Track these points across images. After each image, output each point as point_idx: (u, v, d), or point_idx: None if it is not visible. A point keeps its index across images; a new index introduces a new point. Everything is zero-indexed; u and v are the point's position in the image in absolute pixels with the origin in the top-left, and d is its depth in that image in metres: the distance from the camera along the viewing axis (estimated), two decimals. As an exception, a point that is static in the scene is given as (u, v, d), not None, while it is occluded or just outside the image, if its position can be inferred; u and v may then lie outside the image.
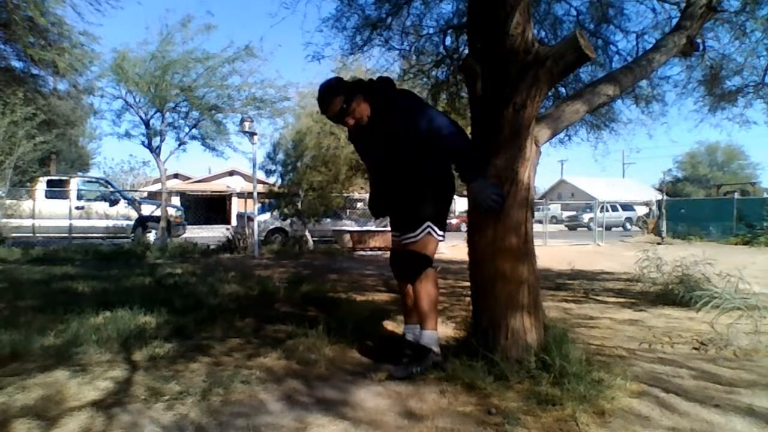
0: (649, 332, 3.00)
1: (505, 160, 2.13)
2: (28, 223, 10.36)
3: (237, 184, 23.79)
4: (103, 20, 19.06)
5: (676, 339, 2.83)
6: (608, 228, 18.19)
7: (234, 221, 18.40)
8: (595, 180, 37.01)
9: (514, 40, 2.03)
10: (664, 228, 14.46)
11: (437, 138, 2.16)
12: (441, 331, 2.48)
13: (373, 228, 11.52)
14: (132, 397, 1.88)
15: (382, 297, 4.14)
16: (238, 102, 10.39)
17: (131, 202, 11.50)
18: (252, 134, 9.40)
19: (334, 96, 2.24)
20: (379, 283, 5.19)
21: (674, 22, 3.64)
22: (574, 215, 26.83)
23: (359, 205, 13.97)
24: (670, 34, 3.23)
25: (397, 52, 4.68)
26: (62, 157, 20.00)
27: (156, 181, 22.58)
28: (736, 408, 1.79)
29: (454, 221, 20.94)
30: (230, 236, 9.72)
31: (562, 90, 4.75)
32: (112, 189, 11.94)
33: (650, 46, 3.37)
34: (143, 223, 11.13)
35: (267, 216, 11.84)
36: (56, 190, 10.88)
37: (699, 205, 17.13)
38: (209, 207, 25.34)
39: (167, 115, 10.18)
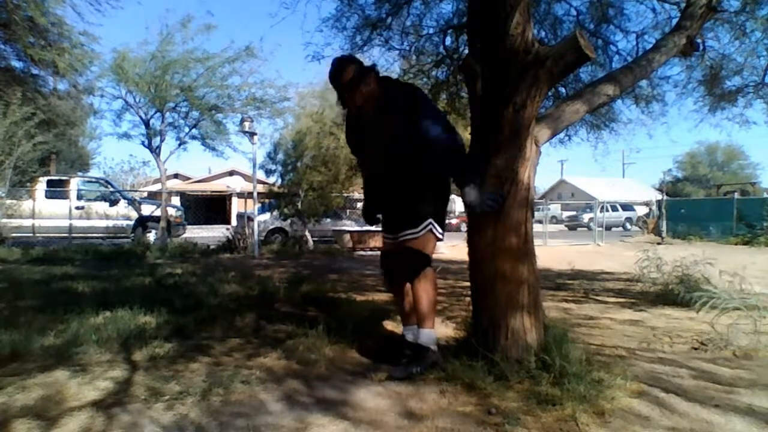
0: (649, 332, 3.00)
1: (505, 160, 2.13)
2: (28, 223, 10.35)
3: (237, 184, 23.77)
4: (103, 20, 19.04)
5: (676, 339, 2.83)
6: (608, 228, 18.19)
7: (234, 221, 18.40)
8: (595, 180, 37.01)
9: (514, 40, 2.03)
10: (664, 228, 14.46)
11: (434, 143, 2.15)
12: (441, 331, 2.48)
13: (373, 228, 11.49)
14: (132, 397, 1.88)
15: (382, 297, 4.13)
16: (238, 102, 10.39)
17: (131, 202, 11.50)
18: (252, 134, 9.40)
19: (349, 64, 2.24)
20: (379, 283, 5.18)
21: (674, 22, 3.64)
22: (574, 215, 26.83)
23: (359, 205, 13.97)
24: (670, 34, 3.23)
25: (397, 52, 4.68)
26: (62, 157, 20.00)
27: (156, 181, 22.59)
28: (736, 408, 1.79)
29: (454, 221, 20.94)
30: (230, 236, 9.71)
31: (562, 90, 4.75)
32: (112, 189, 11.93)
33: (650, 46, 3.37)
34: (143, 223, 11.12)
35: (267, 216, 11.83)
36: (56, 190, 10.87)
37: (699, 205, 17.12)
38: (209, 207, 25.34)
39: (167, 115, 10.18)
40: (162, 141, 10.29)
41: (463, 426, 1.65)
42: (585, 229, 22.35)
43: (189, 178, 31.57)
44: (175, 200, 21.75)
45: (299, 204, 10.59)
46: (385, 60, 4.93)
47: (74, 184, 11.11)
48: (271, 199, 11.47)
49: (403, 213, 2.29)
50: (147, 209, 11.42)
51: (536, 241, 2.33)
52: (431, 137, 2.14)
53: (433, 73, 4.84)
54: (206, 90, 10.04)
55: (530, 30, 2.07)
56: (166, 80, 9.44)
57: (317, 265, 7.34)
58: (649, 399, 1.86)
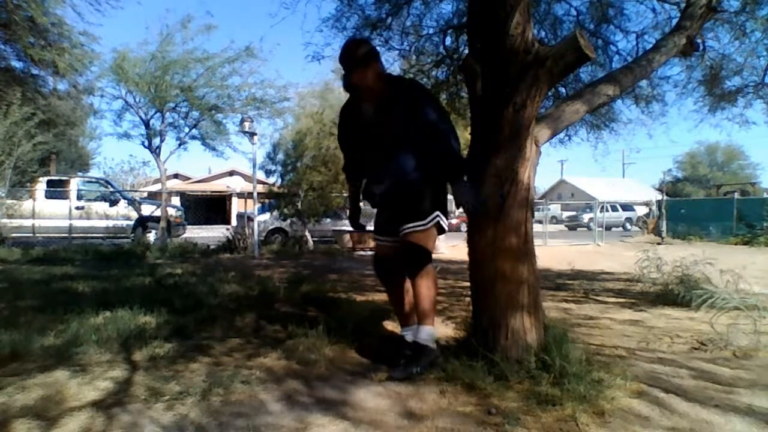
0: (649, 332, 3.00)
1: (505, 160, 2.13)
2: (28, 223, 10.35)
3: (237, 184, 23.75)
4: (103, 20, 19.07)
5: (676, 339, 2.83)
6: (608, 228, 18.19)
7: (234, 221, 18.40)
8: (595, 180, 37.01)
9: (514, 40, 2.03)
10: (664, 228, 14.46)
11: (437, 137, 2.18)
12: (441, 331, 2.47)
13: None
14: (132, 397, 1.88)
15: (382, 297, 4.12)
16: (238, 102, 10.39)
17: (131, 202, 11.50)
18: (252, 134, 9.40)
19: (363, 44, 2.33)
20: (378, 283, 5.16)
21: (674, 22, 3.64)
22: (574, 215, 26.83)
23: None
24: (670, 34, 3.23)
25: (397, 52, 4.68)
26: (62, 157, 19.99)
27: (156, 181, 22.58)
28: (736, 408, 1.79)
29: (454, 221, 20.91)
30: (230, 236, 9.71)
31: (562, 90, 4.75)
32: (112, 189, 11.94)
33: (650, 46, 3.37)
34: (143, 223, 11.13)
35: (267, 216, 11.83)
36: (56, 190, 10.87)
37: (699, 205, 17.13)
38: (209, 207, 25.34)
39: (167, 115, 10.18)
40: (162, 141, 10.31)
41: (463, 426, 1.65)
42: (585, 229, 22.35)
43: (189, 178, 31.57)
44: (175, 200, 21.75)
45: (299, 204, 10.59)
46: (385, 60, 4.91)
47: (74, 184, 11.11)
48: (271, 200, 11.47)
49: (409, 207, 2.25)
50: (147, 209, 11.42)
51: (536, 241, 2.33)
52: (434, 138, 2.17)
53: (433, 73, 4.84)
54: (206, 90, 10.06)
55: (530, 30, 2.08)
56: (166, 80, 9.44)
57: (317, 265, 7.34)
58: (649, 399, 1.86)
